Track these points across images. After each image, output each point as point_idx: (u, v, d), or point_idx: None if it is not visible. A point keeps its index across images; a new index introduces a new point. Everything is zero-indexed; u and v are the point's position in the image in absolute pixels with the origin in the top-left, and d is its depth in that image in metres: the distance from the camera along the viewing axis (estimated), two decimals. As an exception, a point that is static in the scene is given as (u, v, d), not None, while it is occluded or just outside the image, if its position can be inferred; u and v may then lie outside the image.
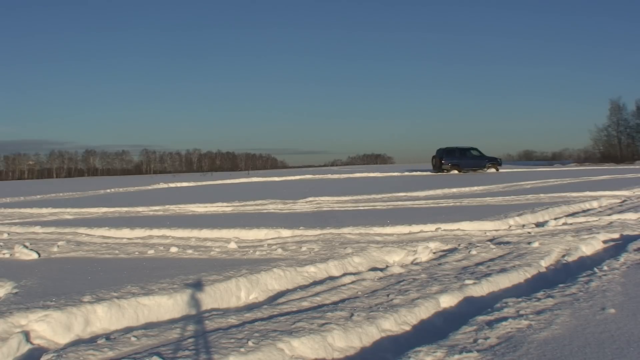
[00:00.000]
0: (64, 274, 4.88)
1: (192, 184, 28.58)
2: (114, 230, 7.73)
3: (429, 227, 7.05)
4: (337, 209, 10.37)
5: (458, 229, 6.98)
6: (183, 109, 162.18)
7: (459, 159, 30.23)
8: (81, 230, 8.00)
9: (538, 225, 7.27)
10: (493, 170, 30.46)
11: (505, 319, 3.18)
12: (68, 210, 11.91)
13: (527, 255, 5.13)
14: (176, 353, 2.87)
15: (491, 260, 5.02)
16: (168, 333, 3.25)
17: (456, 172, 29.72)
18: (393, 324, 3.37)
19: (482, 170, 30.34)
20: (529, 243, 5.68)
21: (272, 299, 4.16)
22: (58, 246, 6.43)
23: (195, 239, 6.85)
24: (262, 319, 3.42)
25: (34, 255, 5.90)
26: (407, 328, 3.38)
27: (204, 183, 29.33)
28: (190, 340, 3.09)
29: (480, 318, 3.25)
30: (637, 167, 32.71)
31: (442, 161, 30.31)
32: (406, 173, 32.44)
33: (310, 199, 12.72)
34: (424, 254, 5.52)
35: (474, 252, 5.39)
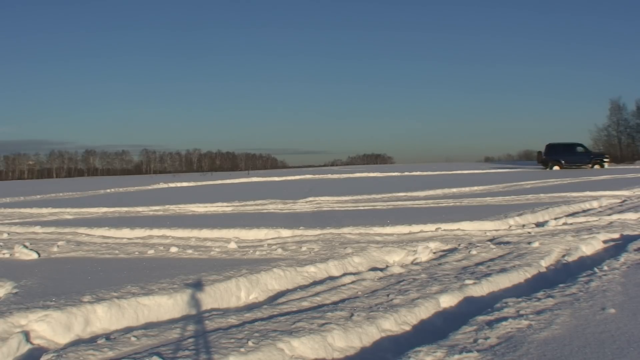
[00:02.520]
0: (64, 274, 4.88)
1: (192, 184, 28.59)
2: (114, 230, 7.73)
3: (429, 227, 7.05)
4: (337, 209, 10.37)
5: (458, 229, 6.98)
6: (183, 109, 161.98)
7: (561, 155, 30.49)
8: (81, 230, 8.00)
9: (538, 225, 7.27)
10: (597, 167, 29.91)
11: (505, 319, 3.18)
12: (68, 210, 11.91)
13: (527, 255, 5.13)
14: (176, 353, 2.87)
15: (491, 260, 5.02)
16: (168, 333, 3.26)
17: (557, 168, 29.94)
18: (393, 324, 3.37)
19: (585, 166, 30.17)
20: (529, 243, 5.68)
21: (272, 299, 4.16)
22: (58, 246, 6.43)
23: (195, 239, 6.85)
24: (262, 319, 3.42)
25: (34, 255, 5.90)
26: (407, 328, 3.38)
27: (204, 183, 29.34)
28: (190, 340, 3.09)
29: (480, 318, 3.25)
30: (637, 167, 32.71)
31: (544, 157, 30.82)
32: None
33: (310, 199, 12.72)
34: (424, 254, 5.52)
35: (474, 252, 5.39)
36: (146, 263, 5.31)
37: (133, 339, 3.14)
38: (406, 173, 32.22)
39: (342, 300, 3.82)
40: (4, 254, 6.10)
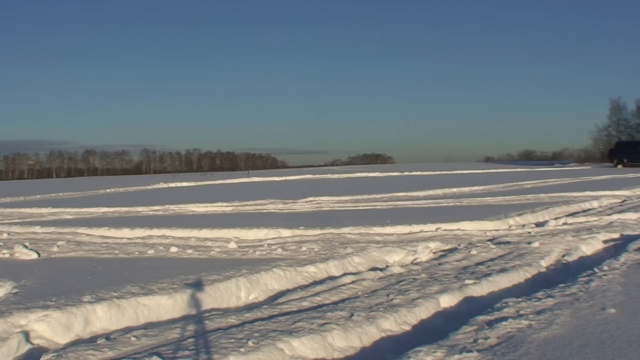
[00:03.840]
0: (64, 274, 4.88)
1: (192, 183, 28.58)
2: (114, 230, 7.73)
3: (429, 227, 7.05)
4: (337, 209, 10.37)
5: (458, 229, 6.98)
6: (183, 109, 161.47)
7: (625, 154, 31.01)
8: (81, 230, 8.00)
9: (538, 225, 7.27)
10: None
11: (505, 318, 3.18)
12: (68, 210, 11.90)
13: (527, 255, 5.13)
14: (176, 353, 2.87)
15: (491, 260, 5.02)
16: (168, 333, 3.26)
17: (621, 166, 30.31)
18: (393, 324, 3.37)
19: None
20: (529, 243, 5.68)
21: (272, 299, 4.16)
22: (58, 246, 6.43)
23: (195, 239, 6.85)
24: (262, 319, 3.42)
25: (34, 255, 5.90)
26: (407, 328, 3.38)
27: (204, 183, 29.33)
28: (190, 340, 3.09)
29: (480, 318, 3.25)
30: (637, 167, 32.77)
31: (611, 155, 31.68)
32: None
33: (310, 199, 12.72)
34: (424, 254, 5.52)
35: (474, 252, 5.39)
36: (146, 263, 5.32)
37: (133, 339, 3.14)
38: (406, 173, 32.19)
39: (342, 300, 3.82)
40: (4, 254, 6.10)
